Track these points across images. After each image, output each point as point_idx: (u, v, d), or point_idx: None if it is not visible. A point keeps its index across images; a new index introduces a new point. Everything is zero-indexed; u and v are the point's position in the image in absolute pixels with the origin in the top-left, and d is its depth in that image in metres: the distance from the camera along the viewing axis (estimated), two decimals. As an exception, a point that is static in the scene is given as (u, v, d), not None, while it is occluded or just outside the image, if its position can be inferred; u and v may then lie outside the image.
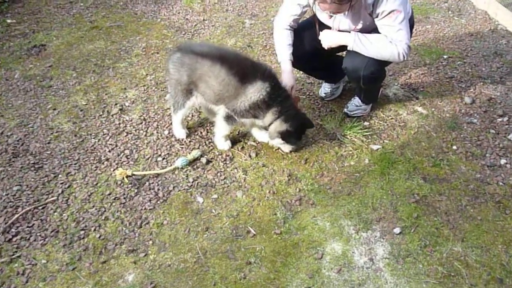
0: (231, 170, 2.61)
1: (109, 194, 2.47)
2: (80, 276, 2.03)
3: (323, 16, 2.55)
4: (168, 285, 1.99)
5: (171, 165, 2.62)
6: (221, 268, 2.05)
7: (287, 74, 2.63)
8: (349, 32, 2.46)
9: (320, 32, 2.55)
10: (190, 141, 2.83)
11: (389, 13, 2.27)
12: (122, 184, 2.53)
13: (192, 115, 3.07)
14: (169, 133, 2.90)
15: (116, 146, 2.83)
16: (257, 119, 2.53)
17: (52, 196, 2.46)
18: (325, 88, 3.18)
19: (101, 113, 3.13)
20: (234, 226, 2.26)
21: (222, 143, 2.72)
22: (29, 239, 2.22)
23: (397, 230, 2.19)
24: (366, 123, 2.95)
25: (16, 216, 2.30)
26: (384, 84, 3.31)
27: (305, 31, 2.71)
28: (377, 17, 2.34)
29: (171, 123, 2.91)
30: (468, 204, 2.33)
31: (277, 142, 2.59)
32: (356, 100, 2.98)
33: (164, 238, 2.21)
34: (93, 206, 2.40)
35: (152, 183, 2.54)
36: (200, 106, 2.80)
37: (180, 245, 2.18)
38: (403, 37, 2.33)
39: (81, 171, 2.63)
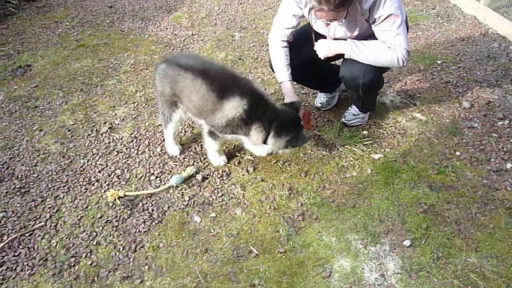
0: (229, 186, 2.49)
1: (101, 217, 2.33)
2: (70, 309, 1.88)
3: (318, 25, 2.48)
4: (167, 314, 1.85)
5: (165, 184, 2.49)
6: (223, 292, 1.92)
7: (290, 96, 2.55)
8: (345, 39, 2.38)
9: (315, 43, 2.48)
10: (184, 158, 2.71)
11: (386, 17, 2.21)
12: (114, 206, 2.39)
13: (185, 131, 2.96)
14: (161, 150, 2.77)
15: (107, 166, 2.69)
16: (237, 135, 2.42)
17: (40, 222, 2.32)
18: (320, 98, 3.10)
19: (89, 132, 3.00)
20: (235, 246, 2.13)
21: (216, 159, 2.62)
22: (15, 269, 2.06)
23: (407, 242, 2.08)
24: (365, 132, 2.86)
25: (1, 244, 2.15)
26: (381, 91, 3.24)
27: (300, 41, 2.63)
28: (374, 22, 2.28)
29: (163, 140, 2.80)
30: (478, 211, 2.24)
31: (283, 149, 2.47)
32: (353, 109, 2.90)
33: (161, 262, 2.07)
34: (84, 231, 2.26)
35: (146, 203, 2.40)
36: (189, 119, 2.72)
37: (178, 269, 2.04)
38: (401, 41, 2.26)
39: (70, 194, 2.49)
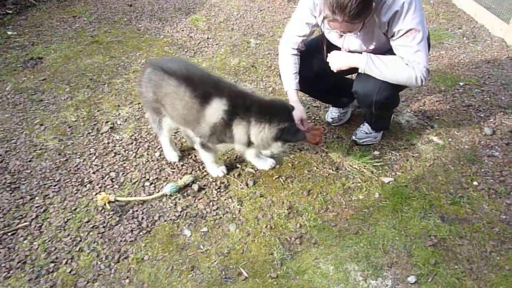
0: (225, 199, 2.35)
1: (87, 222, 2.22)
2: (41, 319, 1.75)
3: (332, 36, 2.33)
4: (142, 335, 1.70)
5: (159, 191, 2.36)
6: (206, 316, 1.76)
7: (296, 103, 2.39)
8: (361, 53, 2.22)
9: (328, 54, 2.32)
10: (182, 165, 2.58)
11: (406, 32, 2.04)
12: (103, 211, 2.27)
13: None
14: (160, 155, 2.66)
15: (102, 167, 2.59)
16: (226, 143, 2.25)
17: (25, 221, 2.22)
18: (332, 113, 2.94)
19: (90, 131, 2.91)
20: (224, 266, 1.98)
21: (214, 170, 2.47)
22: (-9, 270, 1.95)
23: (411, 278, 1.89)
24: (376, 153, 2.68)
25: (-19, 243, 2.05)
26: (396, 110, 3.07)
27: (312, 51, 2.48)
28: (392, 36, 2.11)
29: (163, 145, 2.67)
30: (493, 250, 2.03)
31: (277, 147, 2.24)
32: (365, 127, 2.73)
33: (143, 277, 1.93)
34: (68, 235, 2.14)
35: (136, 210, 2.28)
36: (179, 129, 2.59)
37: (160, 285, 1.89)
38: (421, 59, 2.09)
39: (60, 194, 2.38)
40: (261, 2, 5.41)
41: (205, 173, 2.52)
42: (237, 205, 2.30)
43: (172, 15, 5.01)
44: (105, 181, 2.48)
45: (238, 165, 2.59)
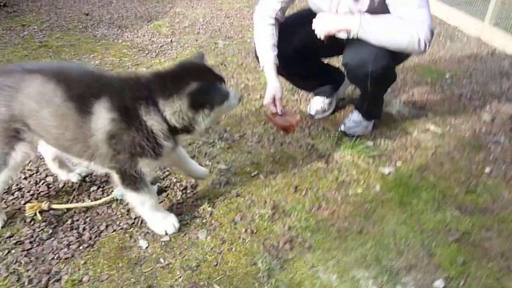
0: (193, 201, 1.87)
1: (10, 237, 1.67)
2: None
3: None
4: None
5: (107, 195, 1.85)
6: None
7: (272, 83, 2.00)
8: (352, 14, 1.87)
9: (313, 20, 1.95)
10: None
11: (405, -14, 1.71)
12: (32, 223, 1.73)
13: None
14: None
15: (37, 172, 2.05)
16: (147, 157, 1.52)
17: None
18: (314, 104, 2.56)
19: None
20: (192, 283, 1.48)
21: (158, 224, 1.68)
22: None
23: (439, 283, 1.46)
24: (369, 143, 2.31)
25: None
26: (384, 102, 2.73)
27: (292, 24, 2.13)
28: (388, -8, 1.77)
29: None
30: (528, 243, 1.64)
31: (205, 120, 1.56)
32: (355, 115, 2.36)
33: (79, 305, 1.40)
34: (-20, 256, 1.58)
35: (77, 220, 1.76)
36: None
37: (103, 315, 1.36)
38: (424, 16, 1.75)
39: (-24, 206, 1.82)
40: (228, 10, 5.13)
41: (166, 173, 2.04)
42: (208, 207, 1.83)
43: (133, 23, 4.61)
44: (39, 187, 1.95)
45: (208, 162, 2.13)
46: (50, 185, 1.98)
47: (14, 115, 1.51)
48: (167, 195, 1.91)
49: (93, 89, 1.48)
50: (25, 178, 2.02)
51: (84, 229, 1.71)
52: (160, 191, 1.92)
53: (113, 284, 1.47)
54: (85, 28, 4.39)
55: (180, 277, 1.50)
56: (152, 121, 1.48)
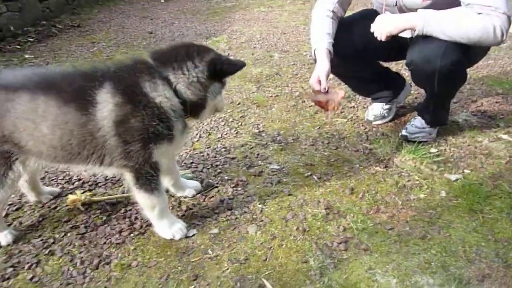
0: (243, 198, 1.82)
1: (67, 221, 1.72)
2: None
3: None
4: None
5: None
6: None
7: (321, 63, 1.91)
8: (415, 10, 1.78)
9: (372, 24, 1.86)
10: (184, 161, 2.10)
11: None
12: (88, 209, 1.78)
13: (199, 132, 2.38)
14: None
15: (96, 165, 2.12)
16: (161, 143, 1.43)
17: (-10, 221, 1.72)
18: (373, 109, 2.45)
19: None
20: (240, 276, 1.41)
21: (166, 227, 1.59)
22: None
23: (519, 296, 1.26)
24: (433, 150, 2.14)
25: None
26: (450, 110, 2.54)
27: (353, 22, 2.07)
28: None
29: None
30: None
31: (218, 93, 1.52)
32: (417, 121, 2.21)
33: (127, 287, 1.38)
34: (40, 236, 1.64)
35: (130, 209, 1.78)
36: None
37: (149, 300, 1.33)
38: (499, 3, 1.60)
39: (40, 192, 1.91)
40: (285, 27, 5.19)
41: (218, 170, 2.03)
42: (259, 204, 1.77)
43: (193, 39, 4.82)
44: (97, 178, 2.01)
45: (260, 163, 2.09)
46: (107, 177, 2.03)
47: (3, 136, 1.40)
48: (218, 191, 1.88)
49: (88, 81, 1.38)
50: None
51: (136, 218, 1.72)
52: (210, 187, 1.89)
53: (160, 271, 1.44)
54: (148, 45, 4.65)
55: (227, 269, 1.44)
56: (161, 98, 1.38)
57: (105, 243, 1.59)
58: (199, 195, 1.85)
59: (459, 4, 1.70)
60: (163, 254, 1.52)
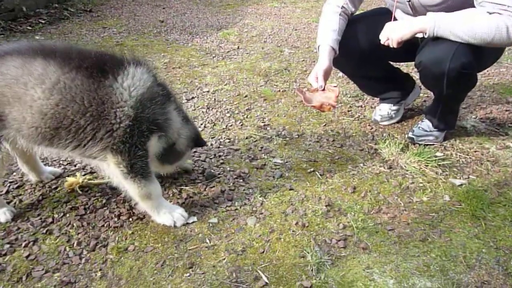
0: (244, 190, 1.81)
1: (67, 202, 1.71)
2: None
3: None
4: None
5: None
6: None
7: (321, 61, 1.89)
8: (425, 13, 1.75)
9: (381, 32, 1.83)
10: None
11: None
12: (89, 191, 1.77)
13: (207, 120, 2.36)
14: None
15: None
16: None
17: (-10, 197, 1.73)
18: (380, 110, 2.42)
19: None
20: (236, 266, 1.40)
21: (165, 214, 1.56)
22: None
23: (518, 305, 1.24)
24: (439, 154, 2.11)
25: None
26: (458, 116, 2.51)
27: (364, 21, 2.04)
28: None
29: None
30: None
31: None
32: (425, 124, 2.19)
33: (122, 271, 1.38)
34: (39, 215, 1.64)
35: (130, 194, 1.76)
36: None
37: (143, 284, 1.33)
38: (510, 1, 1.56)
39: (42, 171, 1.91)
40: (297, 23, 5.15)
41: (220, 161, 2.02)
42: (259, 196, 1.76)
43: (203, 30, 4.80)
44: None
45: (263, 156, 2.07)
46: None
47: None
48: (219, 182, 1.87)
49: (111, 58, 1.37)
50: (88, 153, 2.09)
51: (136, 203, 1.71)
52: (212, 176, 1.88)
53: (157, 257, 1.44)
54: (158, 33, 4.64)
55: (224, 259, 1.43)
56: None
57: (103, 225, 1.59)
58: (200, 184, 1.84)
59: (472, 2, 1.67)
60: (160, 240, 1.52)
